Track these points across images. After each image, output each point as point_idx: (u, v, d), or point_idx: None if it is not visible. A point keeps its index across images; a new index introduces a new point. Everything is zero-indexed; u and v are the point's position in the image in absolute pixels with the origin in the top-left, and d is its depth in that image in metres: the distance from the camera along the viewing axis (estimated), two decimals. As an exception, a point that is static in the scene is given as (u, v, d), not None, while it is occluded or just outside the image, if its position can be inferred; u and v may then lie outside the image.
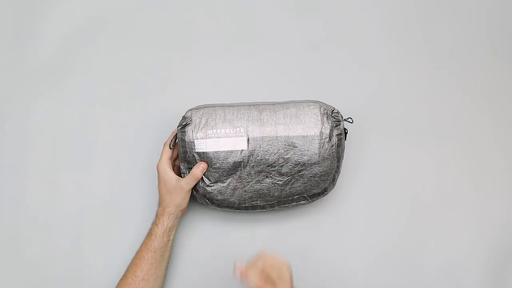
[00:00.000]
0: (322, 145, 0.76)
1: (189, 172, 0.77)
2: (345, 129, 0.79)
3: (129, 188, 0.86)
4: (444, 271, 0.85)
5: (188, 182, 0.77)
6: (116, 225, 0.85)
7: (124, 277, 0.76)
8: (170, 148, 0.79)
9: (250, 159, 0.76)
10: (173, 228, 0.79)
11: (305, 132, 0.76)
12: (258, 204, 0.79)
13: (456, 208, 0.88)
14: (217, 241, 0.85)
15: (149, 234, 0.78)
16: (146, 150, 0.87)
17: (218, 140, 0.76)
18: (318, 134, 0.76)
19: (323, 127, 0.77)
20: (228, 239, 0.85)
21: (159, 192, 0.80)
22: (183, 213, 0.82)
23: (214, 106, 0.79)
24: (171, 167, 0.79)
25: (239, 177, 0.77)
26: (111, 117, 0.90)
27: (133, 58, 0.92)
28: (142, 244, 0.78)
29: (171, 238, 0.79)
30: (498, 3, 0.99)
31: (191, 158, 0.77)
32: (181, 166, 0.78)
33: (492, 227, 0.87)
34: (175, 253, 0.83)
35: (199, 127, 0.76)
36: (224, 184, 0.77)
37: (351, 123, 0.82)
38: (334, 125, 0.77)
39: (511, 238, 0.87)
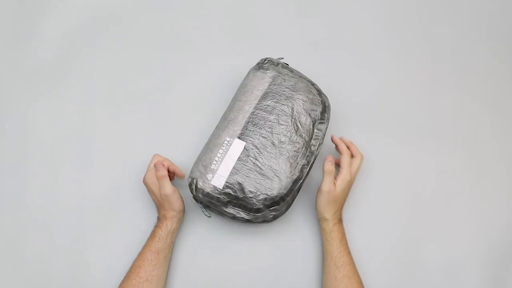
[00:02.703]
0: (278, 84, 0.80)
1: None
2: (286, 64, 0.83)
3: (129, 188, 0.86)
4: (444, 271, 0.85)
5: (162, 185, 0.76)
6: (116, 225, 0.85)
7: (127, 278, 0.76)
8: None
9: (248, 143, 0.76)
10: (176, 230, 0.80)
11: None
12: None
13: (456, 208, 0.88)
14: (217, 241, 0.85)
15: (152, 236, 0.78)
16: (146, 150, 0.87)
17: (223, 162, 0.75)
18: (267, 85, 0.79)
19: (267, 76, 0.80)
20: (228, 239, 0.85)
21: (155, 202, 0.80)
22: (183, 214, 0.82)
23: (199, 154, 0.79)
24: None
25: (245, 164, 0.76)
26: (111, 117, 0.90)
27: (133, 58, 0.92)
28: (145, 246, 0.78)
29: (173, 240, 0.80)
30: (498, 3, 0.99)
31: (223, 197, 0.75)
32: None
33: (492, 227, 0.87)
34: (176, 254, 0.83)
35: (203, 174, 0.75)
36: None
37: (285, 63, 0.83)
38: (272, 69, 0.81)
39: (511, 238, 0.87)
